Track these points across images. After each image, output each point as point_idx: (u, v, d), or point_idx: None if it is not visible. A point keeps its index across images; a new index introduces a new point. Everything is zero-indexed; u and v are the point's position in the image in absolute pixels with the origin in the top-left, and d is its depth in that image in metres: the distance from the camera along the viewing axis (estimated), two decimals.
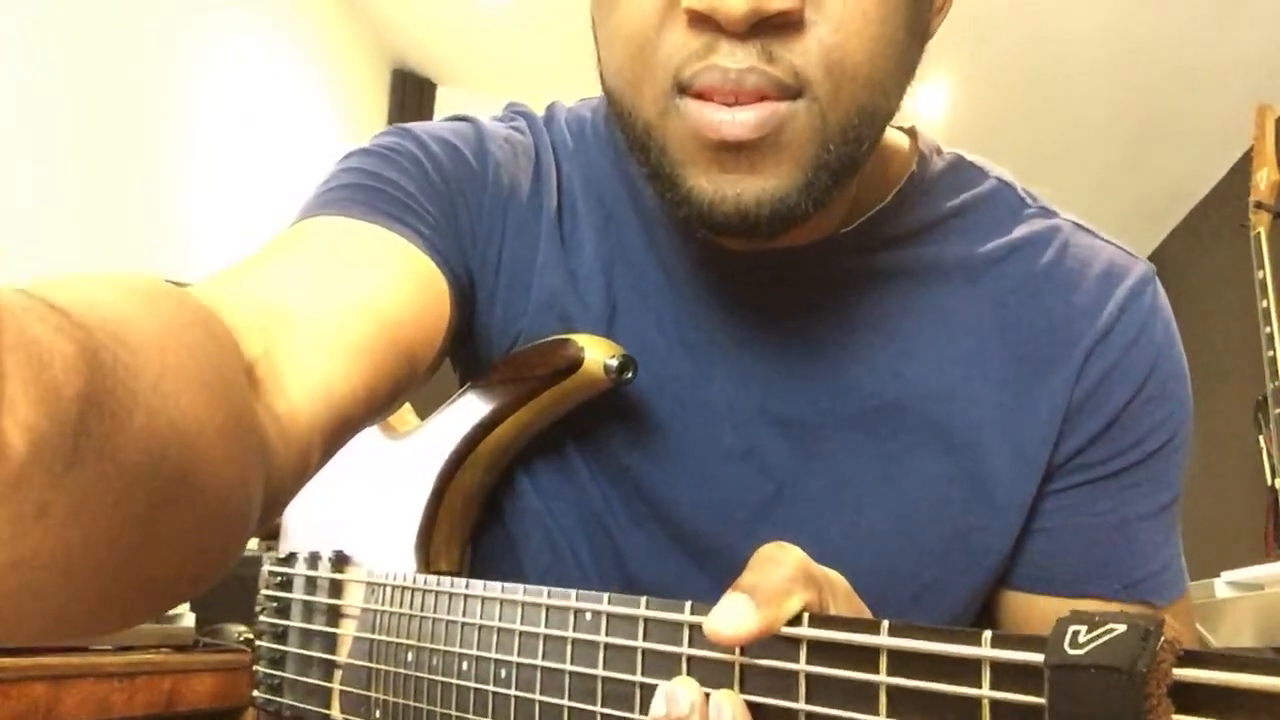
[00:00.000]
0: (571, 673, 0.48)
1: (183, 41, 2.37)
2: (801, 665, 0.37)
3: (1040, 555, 0.60)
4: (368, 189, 0.58)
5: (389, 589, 0.64)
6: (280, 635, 0.76)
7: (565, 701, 0.48)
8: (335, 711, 0.69)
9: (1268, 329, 1.91)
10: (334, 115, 3.16)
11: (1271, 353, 1.89)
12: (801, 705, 0.37)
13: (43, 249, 1.88)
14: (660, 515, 0.61)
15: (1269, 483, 1.93)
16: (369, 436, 0.72)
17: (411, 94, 3.53)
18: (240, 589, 1.62)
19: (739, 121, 0.47)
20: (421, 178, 0.60)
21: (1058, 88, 3.08)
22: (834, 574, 0.41)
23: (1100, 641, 0.27)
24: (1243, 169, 2.29)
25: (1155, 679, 0.26)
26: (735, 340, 0.60)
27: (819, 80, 0.47)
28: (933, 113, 3.39)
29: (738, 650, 0.39)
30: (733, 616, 0.37)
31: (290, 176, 2.82)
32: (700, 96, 0.47)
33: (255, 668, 0.78)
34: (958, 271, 0.60)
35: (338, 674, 0.69)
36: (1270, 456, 1.93)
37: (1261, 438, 2.00)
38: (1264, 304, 1.94)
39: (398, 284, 0.54)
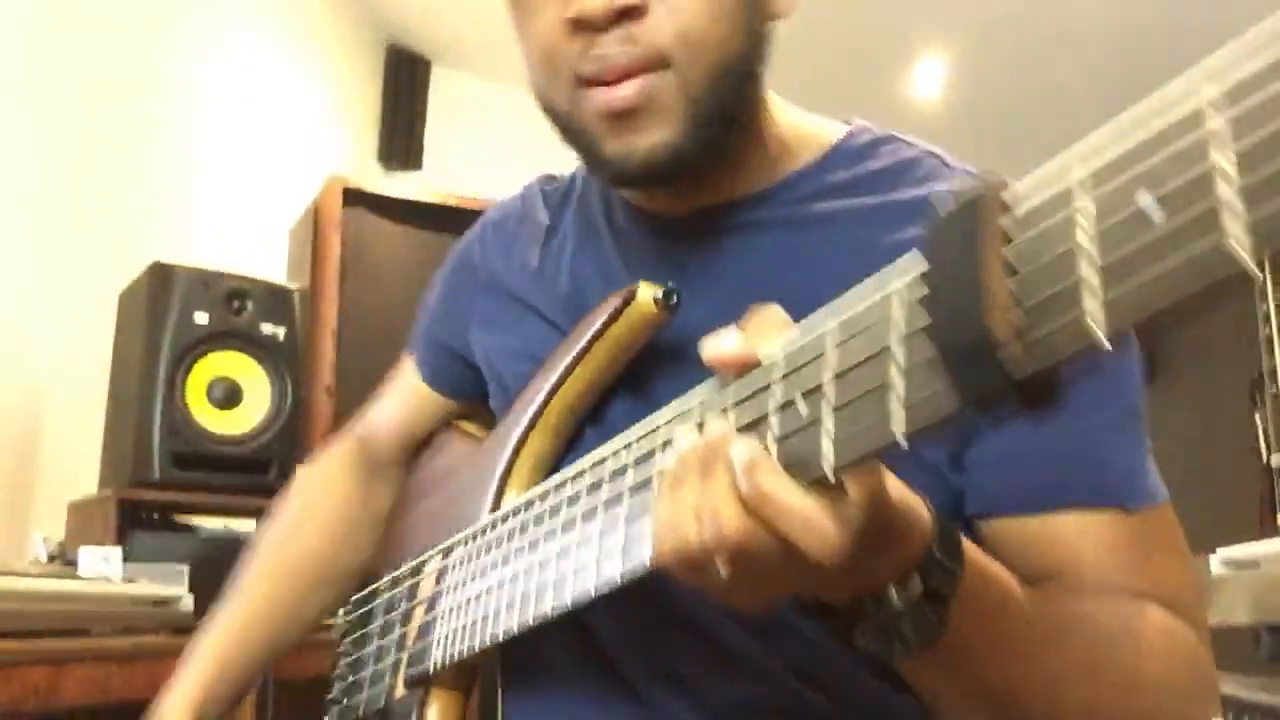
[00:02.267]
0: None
1: (174, 20, 2.36)
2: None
3: (1004, 478, 0.63)
4: (418, 320, 0.94)
5: (457, 549, 0.71)
6: (355, 663, 0.83)
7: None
8: (399, 687, 0.75)
9: (1264, 306, 1.91)
10: (327, 92, 3.14)
11: (1268, 330, 1.89)
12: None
13: (34, 235, 1.87)
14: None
15: (1264, 460, 1.94)
16: (459, 454, 0.86)
17: (406, 72, 3.51)
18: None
19: (619, 95, 0.62)
20: (446, 276, 0.90)
21: (1055, 70, 3.07)
22: None
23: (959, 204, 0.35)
24: None
25: (991, 207, 0.34)
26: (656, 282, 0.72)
27: (676, 50, 0.61)
28: (928, 93, 3.37)
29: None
30: (724, 338, 0.45)
31: (283, 154, 2.81)
32: (591, 83, 0.63)
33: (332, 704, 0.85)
34: (873, 216, 0.67)
35: (403, 660, 0.74)
36: (1265, 434, 1.94)
37: (1257, 415, 2.01)
38: (1259, 282, 1.94)
39: (411, 401, 0.92)
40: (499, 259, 0.83)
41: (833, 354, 0.40)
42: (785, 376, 0.42)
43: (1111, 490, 0.63)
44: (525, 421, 0.72)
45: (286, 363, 1.72)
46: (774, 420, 0.42)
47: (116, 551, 1.36)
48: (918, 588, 0.47)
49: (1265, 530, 1.97)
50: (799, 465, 0.40)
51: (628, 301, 0.67)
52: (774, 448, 0.41)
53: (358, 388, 2.32)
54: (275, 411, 1.69)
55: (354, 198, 2.32)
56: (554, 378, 0.71)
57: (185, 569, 1.37)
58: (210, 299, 1.66)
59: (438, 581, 0.73)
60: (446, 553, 0.73)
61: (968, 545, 0.50)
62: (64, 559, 1.48)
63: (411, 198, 2.25)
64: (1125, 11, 2.76)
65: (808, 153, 0.72)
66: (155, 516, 1.61)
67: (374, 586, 0.85)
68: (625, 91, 0.62)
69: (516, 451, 0.72)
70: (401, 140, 3.38)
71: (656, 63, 0.61)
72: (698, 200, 0.70)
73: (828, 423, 0.39)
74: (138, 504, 1.56)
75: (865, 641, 0.49)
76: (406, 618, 0.77)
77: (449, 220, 2.14)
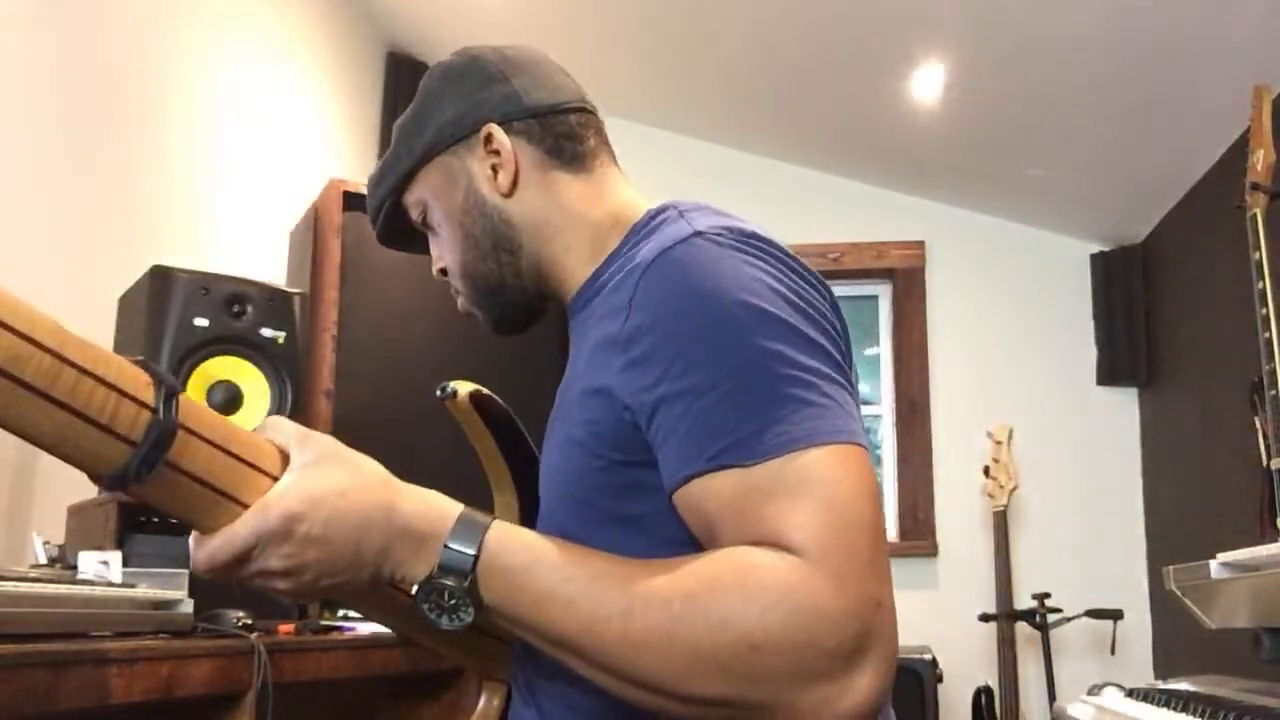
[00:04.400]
0: None
1: (175, 25, 2.36)
2: None
3: (663, 466, 0.76)
4: None
5: None
6: None
7: None
8: None
9: (1263, 310, 1.91)
10: (328, 97, 3.15)
11: (1268, 334, 1.88)
12: None
13: (35, 239, 1.87)
14: None
15: (1265, 464, 1.93)
16: None
17: (405, 77, 3.51)
18: None
19: (459, 306, 1.04)
20: None
21: (1054, 71, 3.06)
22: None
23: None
24: (1240, 150, 2.28)
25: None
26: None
27: (455, 282, 1.02)
28: (929, 95, 3.37)
29: None
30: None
31: (283, 158, 2.81)
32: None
33: None
34: (603, 305, 0.87)
35: None
36: (1266, 438, 1.93)
37: (1257, 419, 2.00)
38: (1260, 285, 1.93)
39: None
40: None
41: None
42: None
43: (722, 454, 0.72)
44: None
45: (286, 366, 1.72)
46: None
47: (116, 555, 1.36)
48: (445, 572, 0.70)
49: (1265, 534, 1.97)
50: None
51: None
52: None
53: (357, 392, 2.32)
54: (275, 415, 1.69)
55: (354, 201, 2.32)
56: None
57: (185, 573, 1.36)
58: (210, 302, 1.66)
59: None
60: None
61: (499, 528, 0.72)
62: (64, 562, 1.48)
63: None
64: (1124, 20, 2.76)
65: (614, 236, 0.95)
66: (155, 520, 1.60)
67: None
68: (459, 307, 1.04)
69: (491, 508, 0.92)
70: None
71: (458, 291, 1.03)
72: (564, 295, 0.98)
73: None
74: (138, 508, 1.56)
75: (435, 618, 0.70)
76: None
77: None
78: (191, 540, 0.70)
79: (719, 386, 0.73)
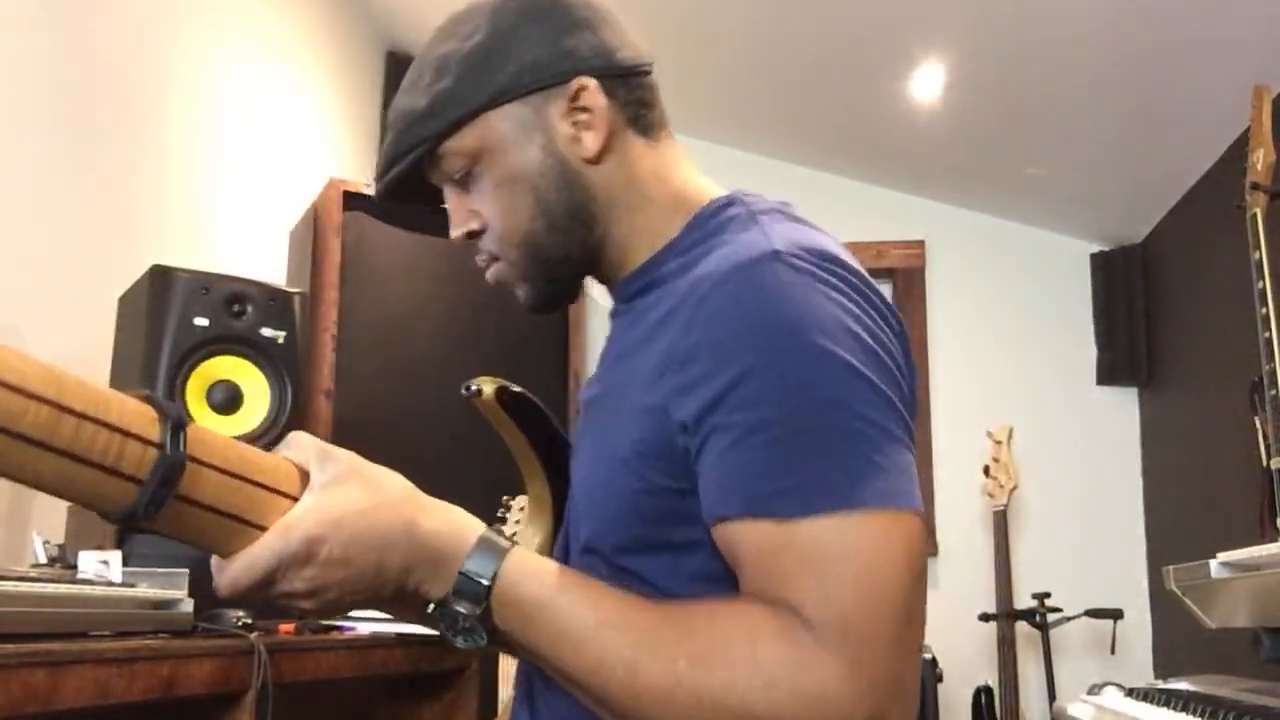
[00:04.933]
0: None
1: (175, 25, 2.36)
2: None
3: (704, 499, 0.73)
4: None
5: None
6: None
7: None
8: None
9: (1263, 310, 1.91)
10: (327, 96, 3.15)
11: (1268, 334, 1.88)
12: None
13: (34, 238, 1.87)
14: None
15: (1265, 464, 1.93)
16: None
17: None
18: None
19: (489, 275, 0.91)
20: None
21: (1054, 71, 3.06)
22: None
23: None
24: (1240, 150, 2.28)
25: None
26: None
27: (502, 251, 0.89)
28: (929, 95, 3.37)
29: None
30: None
31: (283, 157, 2.81)
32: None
33: None
34: (700, 280, 0.77)
35: None
36: (1266, 438, 1.93)
37: (1257, 419, 2.00)
38: (1260, 285, 1.93)
39: None
40: None
41: None
42: None
43: (761, 501, 0.69)
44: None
45: (286, 366, 1.72)
46: None
47: (116, 554, 1.36)
48: (458, 594, 0.71)
49: (1265, 534, 1.97)
50: None
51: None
52: None
53: (357, 391, 2.33)
54: (275, 415, 1.69)
55: (354, 201, 2.32)
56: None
57: (185, 572, 1.36)
58: (210, 302, 1.66)
59: None
60: None
61: (516, 557, 0.72)
62: (64, 562, 1.48)
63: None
64: (1124, 20, 2.76)
65: (676, 221, 0.87)
66: None
67: None
68: (489, 276, 0.91)
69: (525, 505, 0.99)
70: None
71: (494, 258, 0.90)
72: (614, 277, 0.91)
73: None
74: None
75: (451, 638, 0.72)
76: None
77: (448, 224, 2.14)
78: (214, 564, 0.70)
79: (772, 428, 0.69)
